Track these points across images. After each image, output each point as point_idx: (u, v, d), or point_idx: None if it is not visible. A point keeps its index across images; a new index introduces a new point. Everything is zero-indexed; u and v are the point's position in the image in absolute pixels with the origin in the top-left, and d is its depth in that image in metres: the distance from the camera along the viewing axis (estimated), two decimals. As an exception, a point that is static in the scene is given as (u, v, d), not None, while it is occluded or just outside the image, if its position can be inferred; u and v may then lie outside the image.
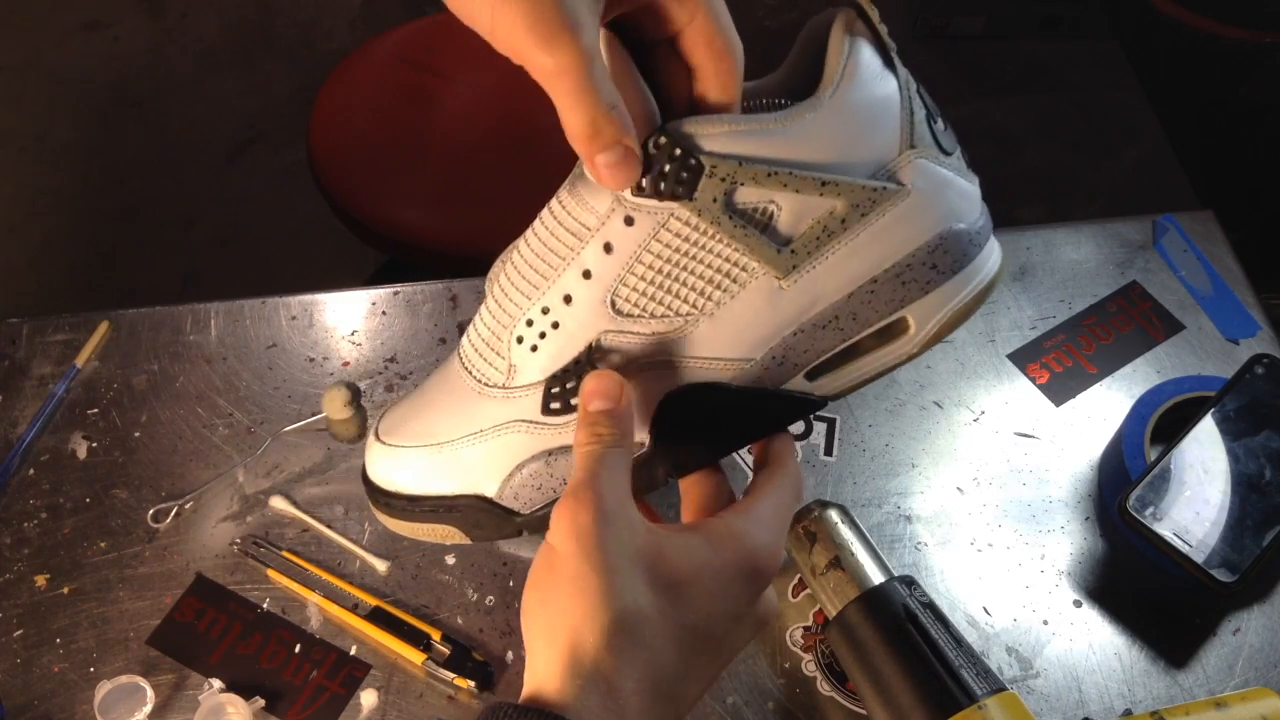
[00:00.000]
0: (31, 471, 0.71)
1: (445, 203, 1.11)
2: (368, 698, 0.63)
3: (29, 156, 1.93)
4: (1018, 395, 0.75)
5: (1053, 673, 0.64)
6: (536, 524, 0.45)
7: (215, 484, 0.70)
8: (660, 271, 0.40)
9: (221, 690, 0.62)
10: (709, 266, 0.40)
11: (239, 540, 0.68)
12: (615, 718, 0.35)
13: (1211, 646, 0.65)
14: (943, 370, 0.76)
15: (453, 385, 0.45)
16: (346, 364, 0.76)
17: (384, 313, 0.79)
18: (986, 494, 0.71)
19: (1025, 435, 0.73)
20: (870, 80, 0.39)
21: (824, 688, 0.63)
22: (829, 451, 0.72)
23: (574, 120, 0.36)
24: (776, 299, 0.41)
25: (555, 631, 0.36)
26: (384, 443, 0.46)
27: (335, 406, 0.72)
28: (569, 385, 0.42)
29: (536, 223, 0.42)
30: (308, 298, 0.79)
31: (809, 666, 0.64)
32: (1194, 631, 0.65)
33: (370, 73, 1.21)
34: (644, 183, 0.39)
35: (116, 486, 0.71)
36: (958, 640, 0.57)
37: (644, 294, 0.41)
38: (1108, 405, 0.75)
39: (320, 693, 0.63)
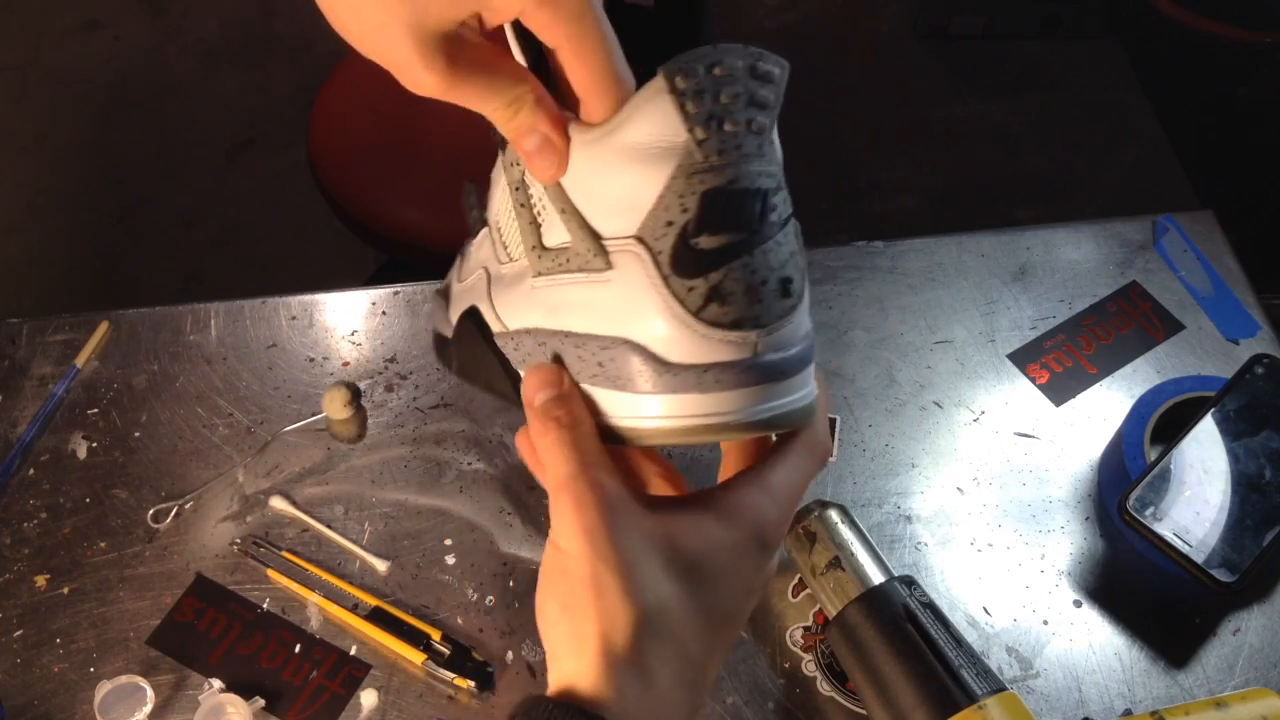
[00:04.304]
0: (31, 471, 0.71)
1: (445, 203, 1.11)
2: (368, 698, 0.63)
3: (29, 156, 1.93)
4: (1018, 395, 0.75)
5: (1053, 673, 0.64)
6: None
7: (215, 484, 0.70)
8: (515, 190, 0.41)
9: (221, 690, 0.62)
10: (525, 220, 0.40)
11: (239, 540, 0.68)
12: (651, 711, 0.36)
13: (1211, 646, 0.65)
14: (943, 370, 0.76)
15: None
16: (346, 364, 0.76)
17: (384, 313, 0.79)
18: (986, 494, 0.71)
19: (1025, 435, 0.73)
20: (642, 143, 0.33)
21: (824, 688, 0.63)
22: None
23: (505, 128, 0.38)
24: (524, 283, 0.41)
25: (581, 636, 0.36)
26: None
27: (335, 406, 0.72)
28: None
29: None
30: (308, 298, 0.79)
31: (809, 666, 0.64)
32: (1194, 631, 0.65)
33: (370, 73, 1.21)
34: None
35: (116, 486, 0.71)
36: (958, 640, 0.57)
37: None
38: (1108, 405, 0.75)
39: (320, 693, 0.63)
